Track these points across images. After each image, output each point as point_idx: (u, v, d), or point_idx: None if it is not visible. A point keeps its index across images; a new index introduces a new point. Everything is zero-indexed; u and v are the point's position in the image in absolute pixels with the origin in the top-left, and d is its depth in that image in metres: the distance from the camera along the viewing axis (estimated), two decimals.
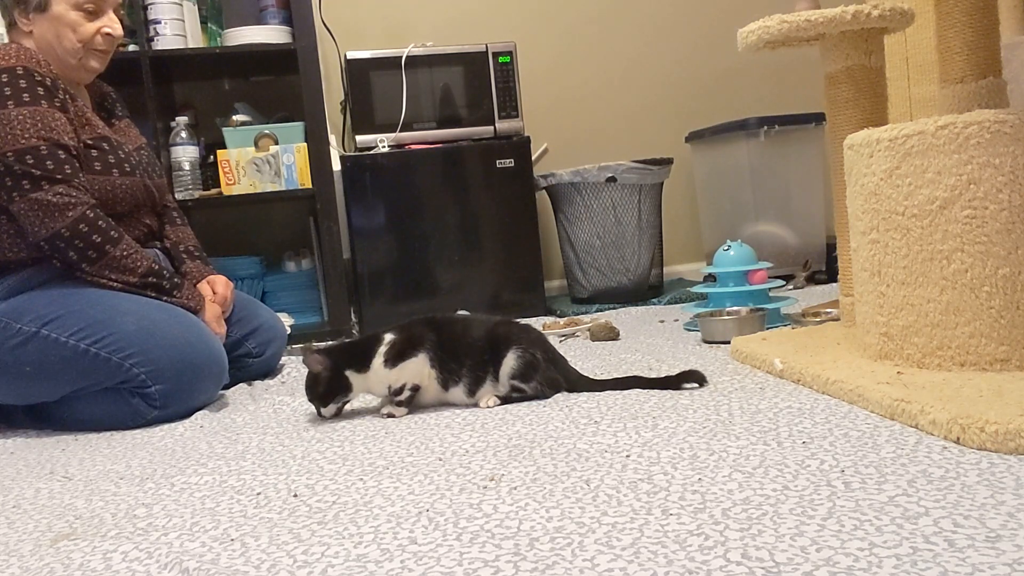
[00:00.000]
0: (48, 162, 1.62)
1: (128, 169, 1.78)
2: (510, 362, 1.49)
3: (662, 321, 2.37)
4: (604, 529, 0.88)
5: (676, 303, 2.71)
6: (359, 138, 2.70)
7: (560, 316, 2.64)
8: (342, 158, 2.65)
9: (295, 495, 1.09)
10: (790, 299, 2.18)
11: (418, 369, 1.48)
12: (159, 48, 2.46)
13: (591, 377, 1.59)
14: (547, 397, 1.52)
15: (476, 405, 1.50)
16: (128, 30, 2.42)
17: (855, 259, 1.47)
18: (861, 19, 1.62)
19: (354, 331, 2.62)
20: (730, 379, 1.53)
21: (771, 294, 2.23)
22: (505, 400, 1.50)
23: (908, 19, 1.68)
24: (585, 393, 1.52)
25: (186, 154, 2.52)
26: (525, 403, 1.49)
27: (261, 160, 2.50)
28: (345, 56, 2.73)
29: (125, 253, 1.68)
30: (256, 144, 2.52)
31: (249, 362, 1.96)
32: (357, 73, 2.70)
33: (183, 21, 2.51)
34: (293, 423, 1.52)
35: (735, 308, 2.05)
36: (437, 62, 2.74)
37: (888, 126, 1.37)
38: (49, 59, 1.71)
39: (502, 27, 3.15)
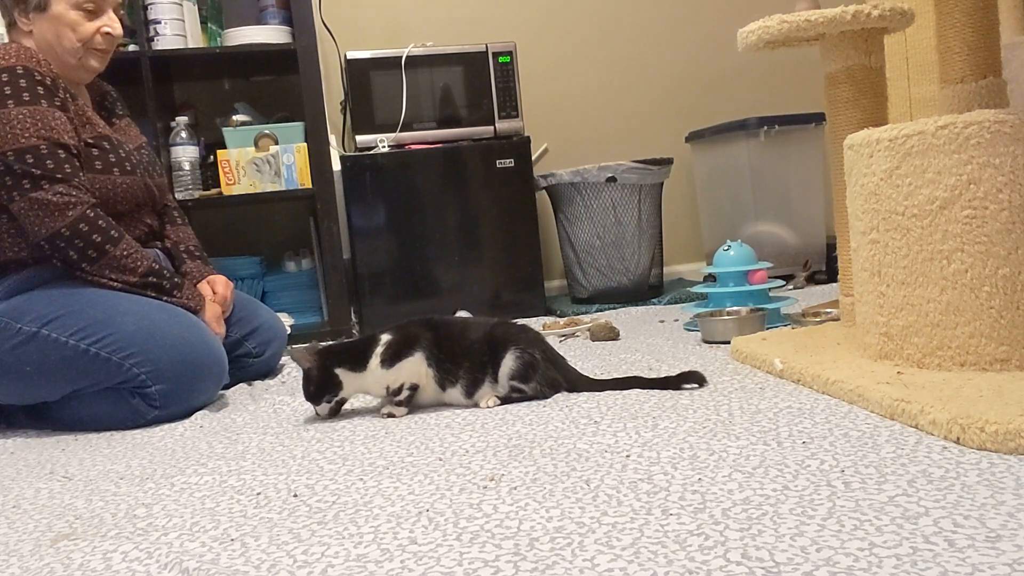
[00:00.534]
0: (48, 161, 1.62)
1: (129, 168, 1.78)
2: (509, 363, 1.49)
3: (662, 321, 2.37)
4: (604, 529, 0.88)
5: (676, 303, 2.71)
6: (359, 138, 2.70)
7: (560, 316, 2.64)
8: (342, 158, 2.65)
9: (295, 495, 1.09)
10: (790, 299, 2.18)
11: (415, 368, 1.48)
12: (159, 48, 2.46)
13: (591, 377, 1.59)
14: (547, 397, 1.51)
15: (475, 405, 1.50)
16: (128, 30, 2.42)
17: (855, 259, 1.47)
18: (861, 19, 1.62)
19: (354, 331, 2.62)
20: (730, 379, 1.53)
21: (771, 294, 2.23)
22: (505, 400, 1.50)
23: (908, 19, 1.68)
24: (585, 393, 1.52)
25: (186, 154, 2.52)
26: (525, 403, 1.49)
27: (261, 160, 2.50)
28: (345, 56, 2.73)
29: (125, 253, 1.68)
30: (256, 144, 2.52)
31: (249, 362, 1.96)
32: (357, 73, 2.70)
33: (183, 21, 2.51)
34: (293, 423, 1.52)
35: (735, 308, 2.05)
36: (437, 62, 2.74)
37: (888, 126, 1.37)
38: (49, 58, 1.71)
39: (502, 27, 3.15)
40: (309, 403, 1.52)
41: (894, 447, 1.06)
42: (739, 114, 3.03)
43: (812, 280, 2.87)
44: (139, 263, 1.70)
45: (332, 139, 2.64)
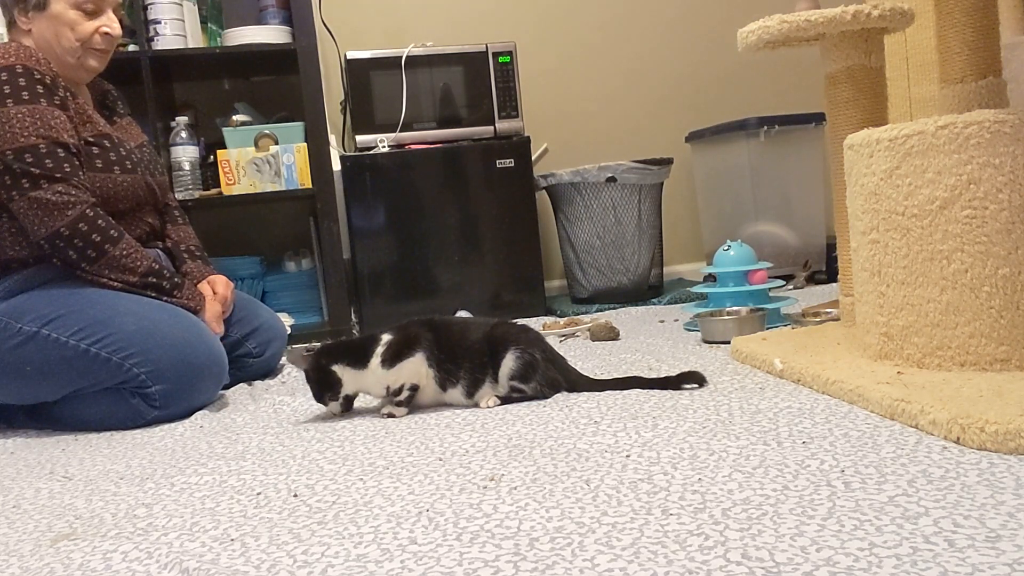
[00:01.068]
0: (47, 160, 1.62)
1: (129, 167, 1.78)
2: (509, 363, 1.49)
3: (662, 321, 2.37)
4: (604, 529, 0.88)
5: (676, 303, 2.71)
6: (359, 138, 2.70)
7: (560, 316, 2.64)
8: (342, 158, 2.65)
9: (295, 495, 1.09)
10: (790, 299, 2.18)
11: (416, 369, 1.48)
12: (159, 48, 2.46)
13: (591, 377, 1.59)
14: (547, 397, 1.52)
15: (476, 406, 1.50)
16: (128, 30, 2.42)
17: (855, 259, 1.47)
18: (861, 19, 1.62)
19: (354, 331, 2.62)
20: (730, 379, 1.53)
21: (771, 294, 2.23)
22: (505, 400, 1.50)
23: (908, 19, 1.68)
24: (585, 393, 1.52)
25: (186, 154, 2.52)
26: (525, 403, 1.49)
27: (261, 160, 2.50)
28: (345, 56, 2.73)
29: (125, 252, 1.68)
30: (256, 144, 2.52)
31: (249, 362, 1.96)
32: (357, 73, 2.70)
33: (183, 21, 2.51)
34: (293, 423, 1.52)
35: (735, 308, 2.05)
36: (437, 62, 2.74)
37: (888, 126, 1.37)
38: (48, 58, 1.71)
39: (502, 27, 3.15)
40: (319, 404, 1.53)
41: (894, 447, 1.06)
42: (739, 114, 3.03)
43: (812, 280, 2.88)
44: (139, 263, 1.70)
45: (332, 139, 2.64)
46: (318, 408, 1.62)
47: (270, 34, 2.53)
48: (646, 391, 1.49)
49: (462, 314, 2.55)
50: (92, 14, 1.74)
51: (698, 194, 3.23)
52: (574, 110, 3.24)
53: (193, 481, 1.21)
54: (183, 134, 2.51)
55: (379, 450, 1.28)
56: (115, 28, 1.78)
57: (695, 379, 1.49)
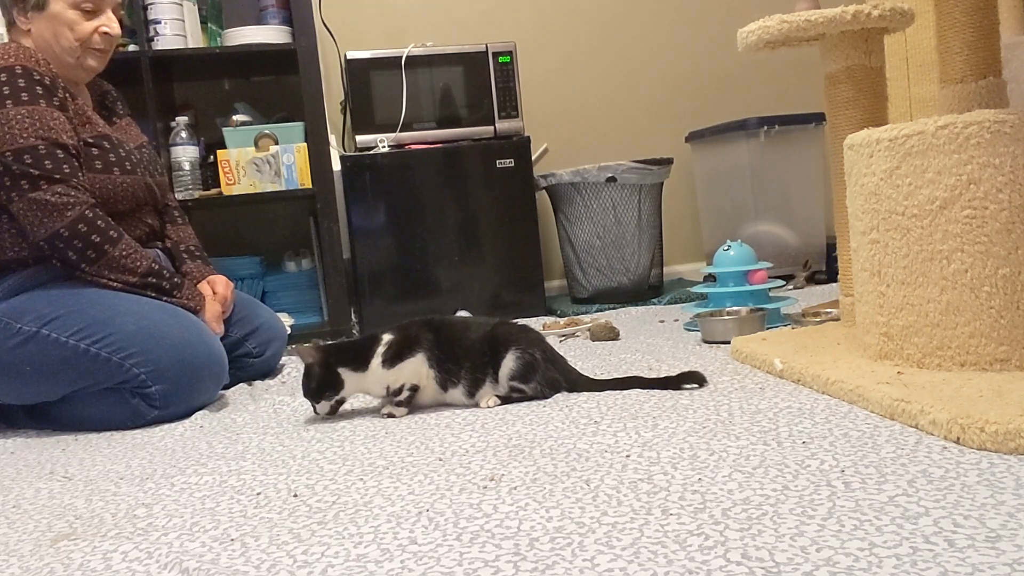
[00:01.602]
0: (47, 162, 1.62)
1: (129, 167, 1.78)
2: (509, 363, 1.49)
3: (662, 321, 2.37)
4: (604, 529, 0.88)
5: (676, 303, 2.71)
6: (359, 138, 2.70)
7: (560, 316, 2.64)
8: (342, 158, 2.65)
9: (295, 495, 1.09)
10: (790, 299, 2.18)
11: (416, 369, 1.48)
12: (159, 48, 2.46)
13: (591, 377, 1.59)
14: (547, 397, 1.52)
15: (476, 406, 1.50)
16: (128, 30, 2.42)
17: (855, 259, 1.47)
18: (861, 19, 1.62)
19: (354, 331, 2.62)
20: (730, 379, 1.53)
21: (771, 294, 2.23)
22: (505, 400, 1.50)
23: (908, 19, 1.68)
24: (585, 393, 1.52)
25: (186, 154, 2.52)
26: (525, 403, 1.49)
27: (261, 160, 2.50)
28: (345, 56, 2.73)
29: (125, 253, 1.68)
30: (256, 144, 2.52)
31: (249, 362, 1.96)
32: (357, 73, 2.70)
33: (183, 21, 2.51)
34: (293, 423, 1.52)
35: (735, 308, 2.05)
36: (437, 62, 2.74)
37: (888, 126, 1.37)
38: (48, 58, 1.71)
39: (502, 27, 3.15)
40: (309, 401, 1.52)
41: (894, 447, 1.06)
42: (739, 114, 3.03)
43: (812, 280, 2.87)
44: (139, 263, 1.70)
45: (332, 139, 2.64)
46: None
47: (270, 34, 2.53)
48: (646, 391, 1.49)
49: (462, 314, 2.55)
50: (91, 14, 1.74)
51: (698, 194, 3.23)
52: (574, 110, 3.24)
53: (193, 481, 1.21)
54: (183, 134, 2.51)
55: (379, 450, 1.28)
56: (114, 28, 1.78)
57: (695, 379, 1.49)
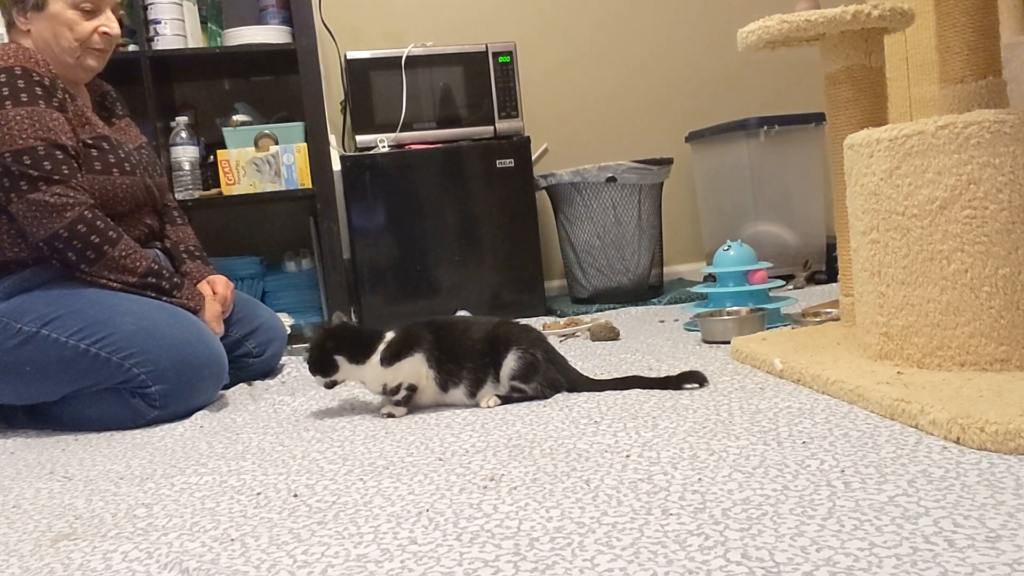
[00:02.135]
0: (45, 163, 1.62)
1: (128, 168, 1.78)
2: (510, 363, 1.49)
3: (662, 321, 2.37)
4: (604, 529, 0.88)
5: (676, 303, 2.71)
6: (359, 138, 2.70)
7: (560, 316, 2.64)
8: (342, 158, 2.65)
9: (295, 495, 1.09)
10: (790, 299, 2.18)
11: (414, 369, 1.48)
12: (159, 48, 2.46)
13: (591, 377, 1.59)
14: (547, 397, 1.52)
15: (476, 405, 1.50)
16: (128, 30, 2.42)
17: (855, 259, 1.47)
18: (861, 19, 1.62)
19: None
20: (730, 379, 1.53)
21: (771, 294, 2.23)
22: (506, 400, 1.50)
23: (908, 19, 1.68)
24: (585, 393, 1.52)
25: (186, 154, 2.52)
26: (525, 403, 1.49)
27: (261, 160, 2.50)
28: (345, 56, 2.73)
29: (124, 253, 1.68)
30: (256, 144, 2.52)
31: (249, 362, 1.96)
32: (357, 73, 2.70)
33: (183, 21, 2.50)
34: (293, 423, 1.52)
35: (735, 308, 2.05)
36: (437, 62, 2.74)
37: (888, 126, 1.37)
38: (47, 58, 1.71)
39: (502, 27, 3.15)
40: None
41: (894, 447, 1.06)
42: (739, 114, 3.03)
43: (812, 280, 2.87)
44: (138, 263, 1.70)
45: (332, 139, 2.64)
46: (318, 408, 1.63)
47: (270, 34, 2.53)
48: (646, 391, 1.49)
49: (462, 314, 2.55)
50: (91, 14, 1.74)
51: (698, 194, 3.23)
52: (574, 110, 3.24)
53: (193, 481, 1.21)
54: (183, 134, 2.51)
55: (379, 450, 1.28)
56: (114, 28, 1.77)
57: (695, 379, 1.49)
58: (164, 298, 1.72)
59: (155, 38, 2.47)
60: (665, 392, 1.47)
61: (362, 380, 1.53)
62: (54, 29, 1.71)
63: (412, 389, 1.49)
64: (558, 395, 1.53)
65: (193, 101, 2.85)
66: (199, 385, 1.67)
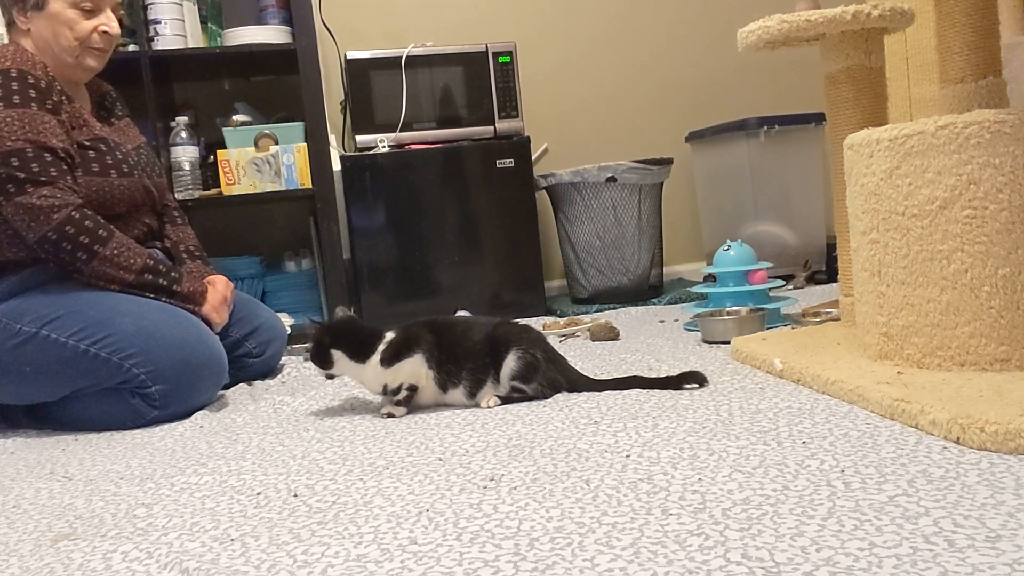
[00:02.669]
0: (33, 165, 1.62)
1: (126, 169, 1.78)
2: (511, 363, 1.49)
3: (662, 321, 2.36)
4: (604, 529, 0.88)
5: (676, 303, 2.71)
6: (359, 138, 2.70)
7: (560, 316, 2.64)
8: (342, 158, 2.65)
9: (295, 495, 1.09)
10: (790, 299, 2.18)
11: (414, 369, 1.49)
12: (159, 48, 2.46)
13: (591, 377, 1.59)
14: (548, 397, 1.52)
15: (476, 406, 1.50)
16: (128, 30, 2.42)
17: (855, 259, 1.47)
18: (861, 19, 1.62)
19: None
20: (730, 379, 1.53)
21: (771, 294, 2.23)
22: (506, 400, 1.50)
23: (908, 19, 1.68)
24: (585, 393, 1.52)
25: (186, 154, 2.52)
26: (525, 403, 1.49)
27: (261, 160, 2.50)
28: (345, 56, 2.73)
29: (116, 251, 1.68)
30: (256, 144, 2.52)
31: (249, 362, 1.96)
32: (357, 73, 2.70)
33: (183, 21, 2.50)
34: (293, 423, 1.52)
35: (735, 308, 2.05)
36: (437, 62, 2.74)
37: (888, 126, 1.37)
38: (46, 58, 1.71)
39: (502, 27, 3.15)
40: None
41: (894, 447, 1.06)
42: (739, 114, 3.03)
43: (812, 280, 2.87)
44: (133, 260, 1.69)
45: (332, 139, 2.64)
46: (318, 408, 1.63)
47: (270, 34, 2.53)
48: (646, 391, 1.49)
49: (462, 314, 2.55)
50: (90, 13, 1.74)
51: (698, 194, 3.23)
52: (574, 110, 3.24)
53: (193, 481, 1.21)
54: (183, 134, 2.51)
55: (379, 450, 1.28)
56: (114, 27, 1.77)
57: (696, 379, 1.49)
58: (164, 297, 1.71)
59: (155, 38, 2.47)
60: (665, 392, 1.47)
61: (362, 380, 1.53)
62: (54, 28, 1.71)
63: (413, 389, 1.49)
64: (558, 395, 1.53)
65: (193, 101, 2.85)
66: (199, 385, 1.67)
